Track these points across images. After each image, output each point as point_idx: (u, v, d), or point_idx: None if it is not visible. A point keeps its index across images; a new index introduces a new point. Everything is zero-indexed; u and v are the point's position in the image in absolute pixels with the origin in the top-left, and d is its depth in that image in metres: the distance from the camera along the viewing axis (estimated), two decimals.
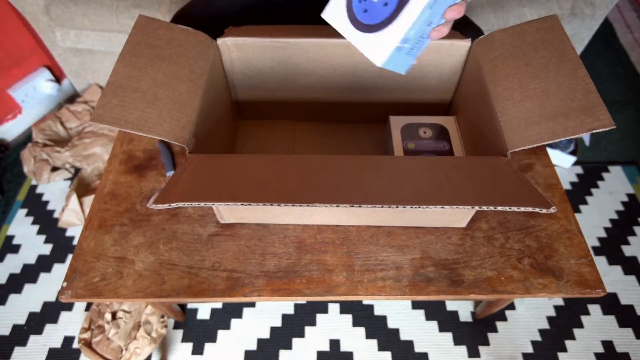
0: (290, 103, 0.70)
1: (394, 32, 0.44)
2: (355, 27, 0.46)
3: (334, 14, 0.46)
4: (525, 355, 0.92)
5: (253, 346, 0.93)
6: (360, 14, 0.45)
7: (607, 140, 1.28)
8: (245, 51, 0.61)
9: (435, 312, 0.97)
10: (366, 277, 0.56)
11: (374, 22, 0.45)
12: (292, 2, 0.73)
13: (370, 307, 0.98)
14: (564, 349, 0.92)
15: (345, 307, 0.98)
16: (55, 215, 1.13)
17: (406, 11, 0.42)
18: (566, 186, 1.17)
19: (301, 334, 0.94)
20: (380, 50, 0.46)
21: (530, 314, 0.97)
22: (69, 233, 1.10)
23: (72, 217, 1.08)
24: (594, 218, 1.11)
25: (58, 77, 1.35)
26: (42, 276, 1.03)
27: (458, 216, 0.57)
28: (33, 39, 1.22)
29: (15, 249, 1.07)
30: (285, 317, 0.97)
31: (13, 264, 1.05)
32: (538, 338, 0.94)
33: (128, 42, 0.52)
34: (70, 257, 1.06)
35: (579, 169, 1.20)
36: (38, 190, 1.18)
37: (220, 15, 0.70)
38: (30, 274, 1.03)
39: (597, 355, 0.92)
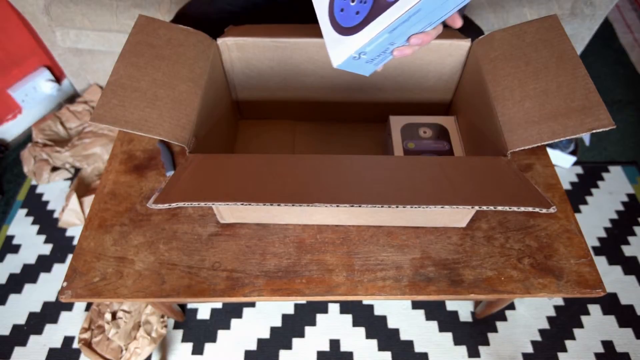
0: (290, 103, 0.70)
1: (353, 42, 0.44)
2: (330, 22, 0.46)
3: (320, 2, 0.46)
4: (525, 355, 0.92)
5: (253, 346, 0.93)
6: (337, 11, 0.45)
7: (607, 140, 1.28)
8: (245, 51, 0.61)
9: (435, 312, 0.97)
10: (366, 277, 0.56)
11: (344, 24, 0.45)
12: (294, 1, 0.73)
13: (370, 307, 0.98)
14: (564, 349, 0.92)
15: (345, 307, 0.98)
16: (55, 215, 1.13)
17: (368, 28, 0.42)
18: (566, 186, 1.17)
19: (301, 334, 0.94)
20: (338, 52, 0.46)
21: (530, 314, 0.97)
22: (69, 233, 1.10)
23: (72, 217, 1.08)
24: (594, 218, 1.11)
25: (58, 77, 1.35)
26: (42, 276, 1.03)
27: (458, 216, 0.57)
28: (33, 39, 1.22)
29: (15, 249, 1.07)
30: (285, 317, 0.97)
31: (13, 264, 1.05)
32: (538, 338, 0.94)
33: (128, 42, 0.52)
34: (70, 257, 1.06)
35: (579, 169, 1.20)
36: (38, 190, 1.18)
37: (222, 14, 0.70)
38: (30, 274, 1.03)
39: (597, 355, 0.92)
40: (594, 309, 0.98)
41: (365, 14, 0.42)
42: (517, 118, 0.50)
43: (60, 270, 1.04)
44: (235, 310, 0.97)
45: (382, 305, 0.98)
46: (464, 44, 0.59)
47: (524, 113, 0.49)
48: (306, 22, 0.64)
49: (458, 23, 0.43)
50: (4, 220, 1.13)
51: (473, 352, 0.92)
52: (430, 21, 0.41)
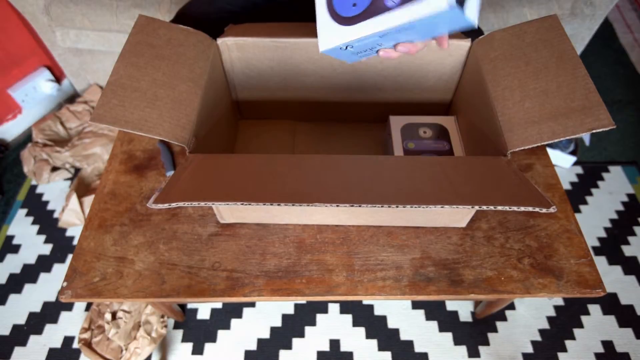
0: (290, 103, 0.70)
1: (344, 33, 0.45)
2: (327, 4, 0.46)
3: None
4: (525, 355, 0.92)
5: (253, 346, 0.93)
6: None
7: (607, 140, 1.28)
8: (245, 51, 0.61)
9: (435, 312, 0.97)
10: (366, 277, 0.56)
11: (339, 12, 0.45)
12: (293, 1, 0.73)
13: (370, 307, 0.98)
14: (564, 349, 0.92)
15: (345, 307, 0.98)
16: (55, 215, 1.13)
17: (361, 25, 0.43)
18: (566, 186, 1.17)
19: (301, 334, 0.94)
20: (327, 38, 0.46)
21: (530, 314, 0.97)
22: (69, 233, 1.10)
23: (72, 217, 1.08)
24: (594, 218, 1.11)
25: (58, 77, 1.35)
26: (42, 276, 1.03)
27: (458, 216, 0.57)
28: (33, 39, 1.22)
29: (15, 249, 1.07)
30: (285, 317, 0.97)
31: (13, 264, 1.05)
32: (538, 338, 0.94)
33: (128, 42, 0.52)
34: (70, 257, 1.06)
35: (579, 169, 1.20)
36: (38, 190, 1.18)
37: (222, 13, 0.70)
38: (30, 274, 1.03)
39: (597, 355, 0.92)
40: (594, 309, 0.98)
41: (362, 9, 0.43)
42: (517, 118, 0.50)
43: (60, 270, 1.04)
44: (235, 310, 0.97)
45: (382, 305, 0.98)
46: (464, 44, 0.59)
47: (524, 113, 0.49)
48: (306, 22, 0.64)
49: (444, 44, 0.45)
50: (4, 220, 1.13)
51: (473, 352, 0.92)
52: (421, 36, 0.42)
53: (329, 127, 0.73)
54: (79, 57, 1.18)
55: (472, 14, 0.38)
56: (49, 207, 1.15)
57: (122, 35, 1.06)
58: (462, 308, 0.98)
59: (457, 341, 0.93)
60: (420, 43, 0.44)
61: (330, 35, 0.46)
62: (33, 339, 0.95)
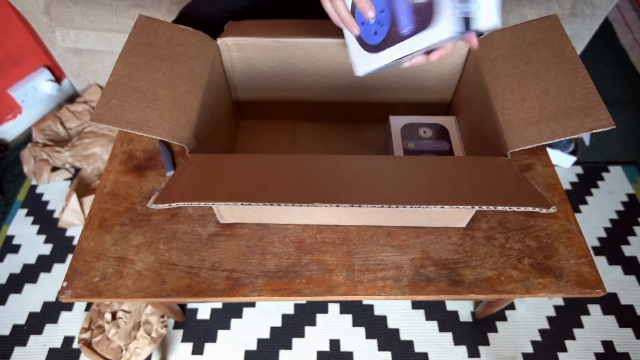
0: (290, 103, 0.70)
1: (374, 60, 0.49)
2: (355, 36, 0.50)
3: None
4: (525, 355, 0.92)
5: (253, 346, 0.93)
6: (358, 23, 0.49)
7: (607, 140, 1.28)
8: (245, 51, 0.61)
9: (435, 312, 0.97)
10: (366, 277, 0.56)
11: (365, 39, 0.49)
12: (294, 1, 0.73)
13: (370, 307, 0.98)
14: (564, 349, 0.92)
15: (345, 307, 0.98)
16: (55, 215, 1.13)
17: (387, 51, 0.46)
18: (566, 186, 1.17)
19: (301, 334, 0.94)
20: (361, 65, 0.52)
21: (530, 314, 0.97)
22: (69, 233, 1.10)
23: (72, 217, 1.08)
24: (594, 218, 1.11)
25: (58, 77, 1.35)
26: (42, 276, 1.03)
27: (458, 216, 0.57)
28: (33, 39, 1.22)
29: (15, 249, 1.07)
30: (285, 317, 0.97)
31: (13, 264, 1.05)
32: (538, 338, 0.94)
33: (128, 41, 0.52)
34: (70, 257, 1.06)
35: (579, 169, 1.20)
36: (38, 190, 1.18)
37: (223, 13, 0.70)
38: (30, 274, 1.03)
39: (597, 355, 0.92)
40: (594, 309, 0.98)
41: (382, 37, 0.46)
42: (517, 118, 0.50)
43: (60, 270, 1.04)
44: (235, 310, 0.97)
45: (382, 305, 0.98)
46: (464, 44, 0.59)
47: (524, 113, 0.49)
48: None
49: (474, 43, 0.44)
50: (4, 220, 1.13)
51: (473, 352, 0.92)
52: (448, 44, 0.44)
53: (329, 127, 0.73)
54: (79, 57, 1.18)
55: (491, 15, 0.38)
56: (49, 207, 1.15)
57: (122, 35, 1.06)
58: (462, 308, 0.98)
59: (457, 341, 0.93)
60: (450, 45, 0.46)
61: (363, 61, 0.51)
62: (33, 339, 0.95)
